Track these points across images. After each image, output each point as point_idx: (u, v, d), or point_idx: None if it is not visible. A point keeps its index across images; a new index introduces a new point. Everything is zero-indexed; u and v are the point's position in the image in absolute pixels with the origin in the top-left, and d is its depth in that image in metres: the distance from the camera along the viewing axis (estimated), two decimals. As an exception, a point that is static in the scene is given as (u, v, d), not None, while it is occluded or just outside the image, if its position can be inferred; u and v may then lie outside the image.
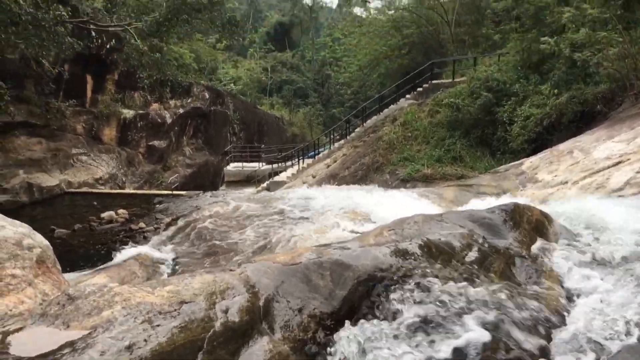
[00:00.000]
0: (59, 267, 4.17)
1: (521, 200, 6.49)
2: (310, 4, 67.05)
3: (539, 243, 3.50)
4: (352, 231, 6.30)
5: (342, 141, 22.23)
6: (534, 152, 12.87)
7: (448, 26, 25.93)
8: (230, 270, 2.68)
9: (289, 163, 24.44)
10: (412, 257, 2.94)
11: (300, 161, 22.45)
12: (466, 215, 3.80)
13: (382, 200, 7.62)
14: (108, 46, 22.62)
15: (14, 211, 18.14)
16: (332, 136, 25.08)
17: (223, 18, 20.80)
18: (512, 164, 11.06)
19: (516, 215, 3.78)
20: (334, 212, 7.03)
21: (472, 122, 16.70)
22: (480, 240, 3.35)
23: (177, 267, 6.74)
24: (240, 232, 7.04)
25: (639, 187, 6.31)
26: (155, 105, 26.62)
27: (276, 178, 21.77)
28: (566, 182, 7.77)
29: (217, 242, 6.91)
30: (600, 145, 9.43)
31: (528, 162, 10.27)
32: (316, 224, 6.63)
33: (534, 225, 3.71)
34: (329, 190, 8.93)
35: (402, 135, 18.46)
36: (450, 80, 20.99)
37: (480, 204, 6.92)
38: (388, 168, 17.15)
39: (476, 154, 16.23)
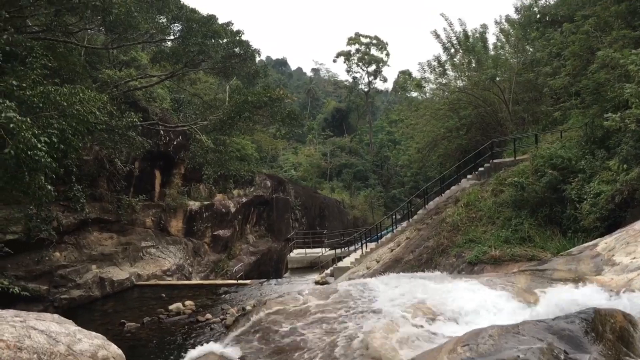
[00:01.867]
0: (132, 376, 4.21)
1: (597, 288, 6.13)
2: (366, 90, 68.81)
3: (629, 356, 3.26)
4: (420, 327, 6.12)
5: (404, 224, 22.03)
6: (608, 230, 12.32)
7: (505, 105, 25.93)
8: None
9: (352, 247, 24.31)
10: None
11: (364, 246, 22.31)
12: (544, 327, 3.60)
13: (450, 291, 7.40)
14: (175, 142, 23.78)
15: (87, 305, 18.74)
16: (394, 218, 24.97)
17: (283, 113, 21.69)
18: (586, 245, 10.57)
19: (598, 324, 3.54)
20: (401, 306, 6.86)
21: (539, 201, 16.23)
22: (562, 357, 3.15)
23: (246, 365, 6.69)
24: (308, 329, 6.95)
25: None
26: (219, 196, 27.45)
27: (340, 264, 21.64)
28: (647, 266, 7.35)
29: (284, 340, 6.83)
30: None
31: (603, 243, 9.80)
32: (384, 319, 6.48)
33: (618, 334, 3.46)
34: (392, 280, 8.76)
35: (466, 216, 18.10)
36: (511, 158, 20.72)
37: (558, 294, 6.60)
38: (454, 251, 16.74)
39: (546, 234, 15.65)
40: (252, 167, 32.90)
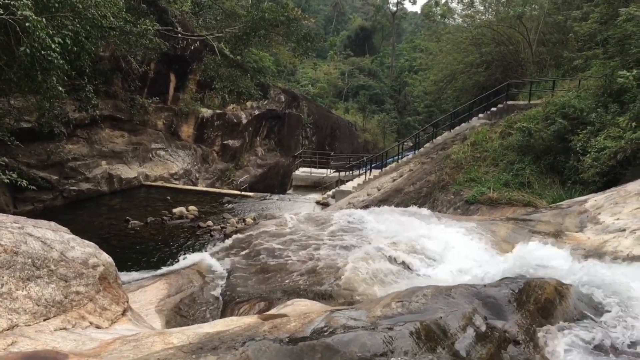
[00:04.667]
0: (120, 282, 4.62)
1: (565, 251, 6.41)
2: (393, 10, 66.88)
3: (544, 328, 3.55)
4: (397, 263, 6.50)
5: (410, 155, 22.23)
6: (606, 185, 12.52)
7: (529, 45, 25.34)
8: (234, 349, 2.97)
9: (356, 172, 24.67)
10: (398, 345, 3.12)
11: (368, 172, 22.65)
12: (474, 292, 3.89)
13: (432, 233, 7.74)
14: (192, 47, 23.66)
15: (94, 199, 19.45)
16: (402, 147, 25.16)
17: (299, 34, 21.38)
18: (577, 199, 10.81)
19: (524, 294, 3.83)
20: (384, 242, 7.23)
21: (544, 148, 16.32)
22: (478, 322, 3.45)
23: (231, 279, 7.15)
24: (293, 252, 7.37)
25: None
26: (232, 106, 27.56)
27: (342, 187, 22.07)
28: (624, 230, 7.61)
29: (271, 260, 7.26)
30: (669, 190, 9.13)
31: (592, 200, 10.03)
32: (364, 253, 6.87)
33: (541, 305, 3.74)
34: (384, 214, 9.12)
35: (471, 155, 18.27)
36: (526, 102, 20.55)
37: (532, 246, 6.92)
38: (453, 188, 17.05)
39: (545, 182, 15.86)
40: (268, 79, 32.77)
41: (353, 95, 54.25)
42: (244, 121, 28.41)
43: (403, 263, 6.64)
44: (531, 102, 20.12)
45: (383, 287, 5.83)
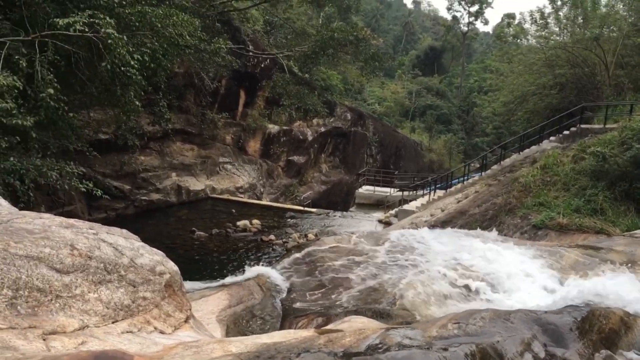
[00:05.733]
0: (184, 290, 4.77)
1: (639, 277, 6.13)
2: (464, 30, 66.22)
3: (602, 353, 3.41)
4: (457, 286, 6.40)
5: (476, 176, 21.83)
6: (686, 216, 11.89)
7: (606, 68, 24.46)
8: (289, 359, 3.01)
9: (420, 192, 24.42)
10: None
11: (432, 192, 22.38)
12: (534, 317, 3.77)
13: (495, 256, 7.56)
14: (263, 65, 24.26)
15: (163, 209, 20.13)
16: (468, 169, 24.77)
17: (367, 53, 21.56)
18: (653, 229, 10.33)
19: (587, 323, 3.68)
20: (443, 263, 7.14)
21: (619, 174, 15.66)
22: (537, 349, 3.35)
23: (291, 294, 7.24)
24: (352, 270, 7.39)
25: None
26: (298, 123, 27.97)
27: (405, 206, 21.88)
28: None
29: (330, 277, 7.30)
30: None
31: (671, 230, 9.55)
32: (423, 274, 6.80)
33: (604, 335, 3.58)
34: (445, 236, 9.00)
35: (541, 178, 17.74)
36: (600, 126, 19.82)
37: (598, 275, 6.67)
38: (521, 212, 16.59)
39: (620, 209, 15.19)
40: (335, 97, 33.11)
41: (420, 115, 53.92)
42: (310, 138, 28.75)
43: (463, 286, 6.52)
44: (606, 126, 19.38)
45: (441, 308, 5.75)
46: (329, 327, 5.01)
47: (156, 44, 11.21)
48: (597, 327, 3.70)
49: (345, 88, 42.08)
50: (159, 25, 11.22)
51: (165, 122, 18.97)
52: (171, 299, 4.41)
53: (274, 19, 28.09)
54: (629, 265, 7.92)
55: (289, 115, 26.86)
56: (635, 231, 10.56)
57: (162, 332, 4.08)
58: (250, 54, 22.84)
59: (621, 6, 27.05)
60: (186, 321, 4.52)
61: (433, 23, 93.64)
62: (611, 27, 25.81)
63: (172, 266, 4.53)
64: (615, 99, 23.16)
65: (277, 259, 9.22)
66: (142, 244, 4.45)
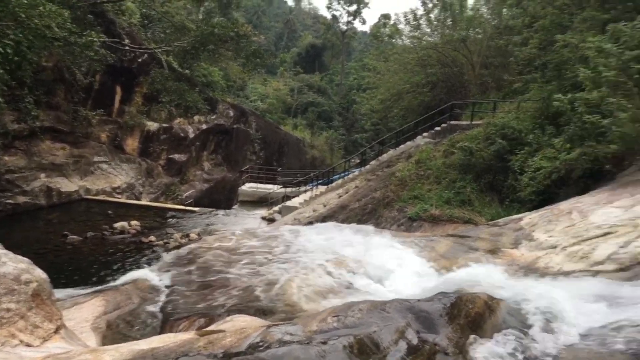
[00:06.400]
0: (54, 298, 4.50)
1: (502, 263, 6.70)
2: (344, 29, 67.85)
3: (471, 339, 3.70)
4: (339, 280, 6.59)
5: (356, 172, 22.53)
6: (541, 204, 12.97)
7: (472, 68, 26.19)
8: None
9: (303, 188, 24.76)
10: (331, 358, 3.20)
11: (314, 188, 22.78)
12: (408, 306, 4.02)
13: (374, 249, 7.88)
14: (140, 60, 23.35)
15: (32, 213, 18.79)
16: (349, 164, 25.50)
17: (248, 50, 21.47)
18: (513, 217, 11.20)
19: (455, 308, 3.98)
20: (325, 257, 7.31)
21: (484, 167, 16.84)
22: (410, 336, 3.57)
23: (172, 296, 7.06)
24: (236, 268, 7.35)
25: (619, 264, 6.47)
26: (179, 120, 27.25)
27: (288, 203, 22.10)
28: (556, 247, 7.94)
29: (213, 276, 7.21)
30: (598, 210, 9.55)
31: (527, 218, 10.42)
32: (306, 269, 6.92)
33: (471, 319, 3.89)
34: (327, 230, 9.22)
35: (415, 173, 18.67)
36: (468, 122, 21.18)
37: (466, 263, 7.15)
38: (397, 205, 17.35)
39: (485, 200, 16.35)
40: (217, 94, 32.63)
41: (302, 112, 54.55)
42: (191, 135, 28.12)
43: (344, 279, 6.72)
44: (473, 122, 20.74)
45: (323, 302, 5.89)
46: (210, 328, 4.96)
47: (20, 35, 10.40)
48: (465, 311, 3.97)
49: (227, 85, 41.60)
50: (23, 16, 10.43)
51: (33, 120, 17.70)
52: (39, 308, 4.15)
53: (151, 12, 27.10)
54: (493, 252, 8.57)
55: (169, 112, 26.07)
56: (498, 220, 11.41)
57: (29, 345, 3.83)
58: (127, 48, 21.90)
59: (485, 10, 29.04)
60: (56, 332, 4.27)
61: (314, 21, 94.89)
62: (476, 30, 27.66)
63: (39, 274, 4.26)
64: (480, 97, 24.84)
65: (158, 260, 8.95)
66: (4, 251, 4.15)
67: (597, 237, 7.68)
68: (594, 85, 13.21)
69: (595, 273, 6.40)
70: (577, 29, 16.19)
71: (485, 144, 17.10)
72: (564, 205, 10.74)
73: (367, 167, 22.04)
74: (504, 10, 27.44)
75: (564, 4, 18.37)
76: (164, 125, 26.16)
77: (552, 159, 14.48)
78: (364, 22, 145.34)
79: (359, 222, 15.98)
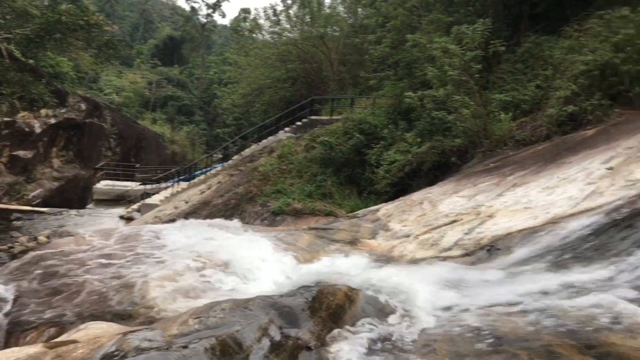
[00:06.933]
0: None
1: (360, 254, 6.99)
2: (203, 22, 66.47)
3: (334, 331, 3.83)
4: (203, 278, 6.47)
5: (219, 167, 22.27)
6: (396, 195, 13.68)
7: (330, 64, 26.96)
8: None
9: (163, 185, 23.99)
10: None
11: (175, 184, 22.17)
12: (271, 302, 4.06)
13: (238, 244, 7.83)
14: (-27, 47, 21.17)
15: None
16: (211, 160, 25.14)
17: (100, 40, 20.33)
18: (370, 209, 11.69)
19: (316, 301, 4.09)
20: (188, 255, 7.14)
21: (344, 161, 17.42)
22: (273, 333, 3.63)
23: (18, 305, 6.51)
24: (90, 271, 6.93)
25: (464, 249, 7.04)
26: (23, 114, 25.12)
27: (148, 200, 21.31)
28: (409, 235, 8.43)
29: (65, 281, 6.74)
30: (446, 199, 10.29)
31: (384, 209, 10.93)
32: (168, 268, 6.71)
33: (332, 311, 4.02)
34: (189, 227, 8.99)
35: (278, 167, 18.86)
36: (328, 117, 21.77)
37: (327, 254, 7.36)
38: (261, 199, 17.43)
39: (345, 192, 16.93)
40: (67, 86, 30.54)
41: (161, 106, 52.68)
42: (38, 130, 26.03)
43: (208, 277, 6.61)
44: (333, 117, 21.35)
45: (187, 303, 5.74)
46: (61, 338, 4.63)
47: None
48: (326, 304, 4.07)
49: (78, 76, 39.09)
50: None
51: None
52: None
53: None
54: (353, 243, 8.90)
55: (11, 105, 23.91)
56: (357, 212, 11.84)
57: None
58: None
59: (342, 8, 29.99)
60: None
61: (172, 12, 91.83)
62: (334, 27, 28.50)
63: None
64: (339, 93, 25.62)
65: (1, 267, 8.20)
66: None
67: (445, 225, 8.26)
68: (441, 83, 14.20)
69: (444, 259, 6.88)
70: (425, 30, 17.22)
71: (344, 139, 17.69)
72: (416, 196, 11.43)
73: (230, 162, 21.89)
74: (359, 9, 28.55)
75: (413, 6, 19.47)
76: (6, 119, 23.98)
77: (405, 152, 15.36)
78: (224, 16, 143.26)
79: (223, 217, 15.80)
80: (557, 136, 11.76)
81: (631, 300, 4.28)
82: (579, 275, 5.26)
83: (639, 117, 10.52)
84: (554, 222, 6.82)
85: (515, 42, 16.10)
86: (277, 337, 3.60)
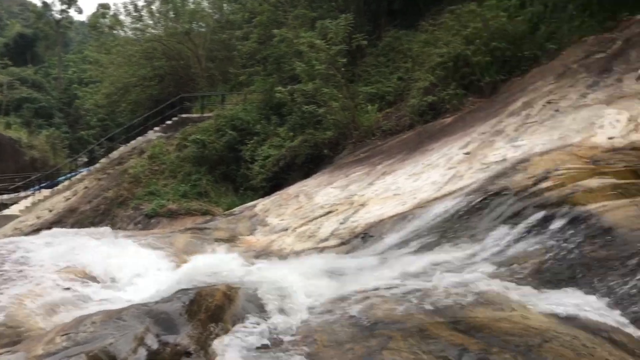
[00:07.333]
0: None
1: (239, 251, 6.98)
2: (58, 18, 62.20)
3: (213, 332, 3.80)
4: (73, 291, 6.10)
5: (84, 171, 21.11)
6: (272, 190, 13.78)
7: (198, 61, 26.41)
8: None
9: (23, 193, 22.29)
10: None
11: (37, 192, 20.70)
12: (146, 310, 3.94)
13: (111, 252, 7.47)
14: None
15: None
16: (75, 165, 23.74)
17: None
18: (247, 205, 11.69)
19: (195, 304, 4.03)
20: (55, 268, 6.70)
21: (218, 159, 17.26)
22: (150, 341, 3.53)
23: None
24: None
25: (340, 239, 7.27)
26: None
27: (6, 211, 19.74)
28: (287, 229, 8.55)
29: None
30: (321, 191, 10.55)
31: (261, 204, 10.98)
32: (32, 283, 6.26)
33: (211, 312, 3.98)
34: (54, 237, 8.42)
35: (149, 168, 18.31)
36: (199, 115, 21.39)
37: (207, 255, 7.26)
38: (133, 203, 16.88)
39: (221, 190, 16.80)
40: None
41: (15, 109, 48.64)
42: None
43: (79, 289, 6.25)
44: (204, 115, 21.01)
45: (54, 319, 5.39)
46: None
47: None
48: (204, 306, 4.00)
49: None
50: None
51: None
52: None
53: None
54: (231, 240, 8.85)
55: None
56: (234, 209, 11.81)
57: None
58: None
59: (207, 4, 29.43)
60: None
61: (21, 8, 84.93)
62: (199, 23, 27.93)
63: None
64: (209, 90, 25.21)
65: None
66: None
67: (322, 216, 8.48)
68: (309, 77, 14.50)
69: (322, 250, 7.06)
70: (291, 25, 17.42)
71: (217, 136, 17.51)
72: (292, 189, 11.60)
73: (97, 165, 20.86)
74: (224, 5, 28.24)
75: (278, 2, 19.58)
76: None
77: (279, 147, 15.52)
78: (80, 12, 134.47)
79: (92, 224, 15.09)
80: (419, 125, 12.48)
81: (491, 275, 4.68)
82: (446, 255, 5.64)
83: (489, 104, 11.44)
84: (421, 206, 7.24)
85: (377, 36, 16.81)
86: (155, 346, 3.49)
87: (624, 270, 4.05)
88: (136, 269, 6.86)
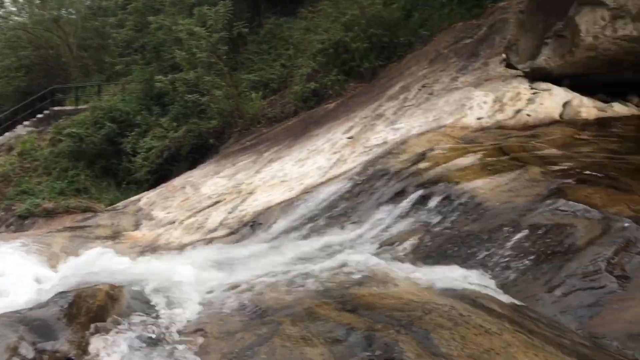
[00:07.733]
0: None
1: (123, 248, 6.73)
2: None
3: (97, 335, 3.63)
4: None
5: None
6: (157, 182, 13.36)
7: (70, 50, 24.86)
8: None
9: None
10: None
11: None
12: (19, 318, 3.68)
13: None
14: None
15: None
16: None
17: None
18: (131, 199, 11.27)
19: (74, 307, 3.84)
20: None
21: (97, 153, 16.50)
22: (24, 351, 3.32)
23: None
24: None
25: (229, 228, 7.21)
26: None
27: None
28: (174, 222, 8.34)
29: None
30: (208, 181, 10.39)
31: (145, 198, 10.63)
32: None
33: (93, 314, 3.80)
34: None
35: (20, 166, 17.21)
36: (73, 107, 20.25)
37: (89, 255, 6.92)
38: (3, 203, 15.89)
39: (102, 185, 16.13)
40: None
41: None
42: None
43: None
44: (79, 107, 19.93)
45: None
46: None
47: None
48: (85, 308, 3.77)
49: None
50: None
51: None
52: None
53: None
54: (114, 237, 8.51)
55: None
56: (117, 204, 11.36)
57: None
58: None
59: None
60: None
61: None
62: (69, 10, 26.30)
63: None
64: (83, 80, 23.86)
65: None
66: None
67: (209, 206, 8.37)
68: (190, 65, 14.18)
69: (211, 240, 6.97)
70: (169, 12, 16.83)
71: (95, 129, 16.71)
72: (177, 181, 11.33)
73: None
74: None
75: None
76: None
77: (162, 137, 15.07)
78: None
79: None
80: (304, 111, 12.64)
81: (375, 254, 4.87)
82: (334, 237, 5.79)
83: (369, 89, 11.81)
84: (308, 191, 7.35)
85: (258, 23, 16.72)
86: (30, 355, 3.26)
87: (495, 242, 4.38)
88: (8, 275, 6.38)
